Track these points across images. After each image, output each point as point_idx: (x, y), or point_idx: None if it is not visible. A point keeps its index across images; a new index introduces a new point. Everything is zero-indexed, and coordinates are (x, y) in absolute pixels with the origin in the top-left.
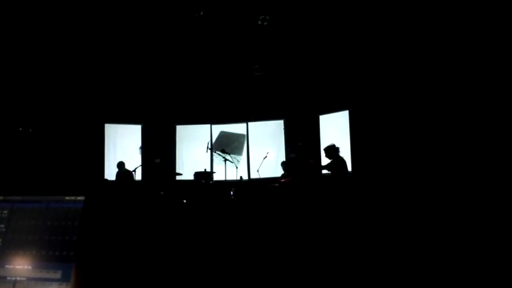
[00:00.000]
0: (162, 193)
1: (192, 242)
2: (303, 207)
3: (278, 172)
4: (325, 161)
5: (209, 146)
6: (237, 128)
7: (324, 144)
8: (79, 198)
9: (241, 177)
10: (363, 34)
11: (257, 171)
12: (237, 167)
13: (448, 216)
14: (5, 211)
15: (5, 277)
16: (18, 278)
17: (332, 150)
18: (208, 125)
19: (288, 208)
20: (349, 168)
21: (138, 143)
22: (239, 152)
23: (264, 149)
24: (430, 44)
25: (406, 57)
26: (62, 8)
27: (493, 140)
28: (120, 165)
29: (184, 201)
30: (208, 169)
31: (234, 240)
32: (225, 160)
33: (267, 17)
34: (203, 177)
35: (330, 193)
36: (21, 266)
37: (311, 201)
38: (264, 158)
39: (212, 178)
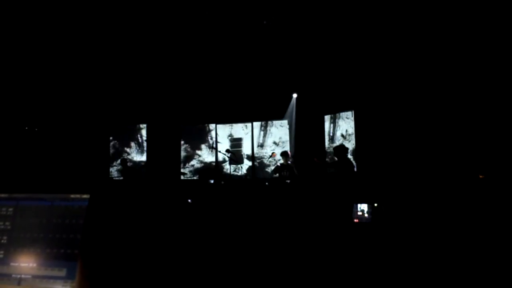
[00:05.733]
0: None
1: (196, 240)
2: (306, 205)
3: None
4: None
5: (214, 146)
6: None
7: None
8: (84, 196)
9: (245, 175)
10: (367, 35)
11: (262, 170)
12: (241, 167)
13: (451, 216)
14: (10, 209)
15: (10, 275)
16: (23, 276)
17: (341, 150)
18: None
19: (292, 206)
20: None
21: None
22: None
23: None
24: (433, 46)
25: (410, 57)
26: (71, 9)
27: (495, 141)
28: (123, 162)
29: (189, 200)
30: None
31: (239, 238)
32: (230, 159)
33: (272, 17)
34: (210, 176)
35: (334, 192)
36: (26, 264)
37: (315, 199)
38: (269, 158)
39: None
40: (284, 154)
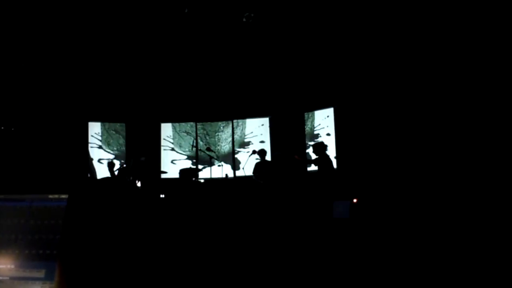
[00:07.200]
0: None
1: (179, 241)
2: (288, 203)
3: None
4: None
5: (194, 144)
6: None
7: None
8: (63, 196)
9: (226, 174)
10: (348, 30)
11: (243, 168)
12: (222, 165)
13: (430, 212)
14: None
15: None
16: (1, 277)
17: (320, 147)
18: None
19: (275, 205)
20: (335, 165)
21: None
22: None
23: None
24: (416, 40)
25: (391, 53)
26: (46, 6)
27: (477, 138)
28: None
29: (162, 196)
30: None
31: (220, 237)
32: (210, 158)
33: (252, 15)
34: (189, 174)
35: (315, 189)
36: (4, 265)
37: (297, 197)
38: (249, 156)
39: (198, 175)
40: (261, 152)
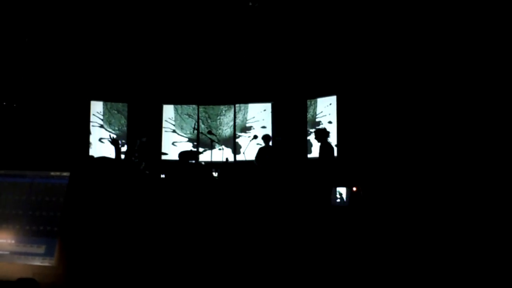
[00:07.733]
0: (147, 172)
1: (178, 221)
2: (288, 189)
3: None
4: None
5: (195, 127)
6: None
7: None
8: (65, 174)
9: (227, 158)
10: (353, 19)
11: (243, 153)
12: (222, 149)
13: (428, 200)
14: None
15: None
16: (1, 252)
17: (322, 134)
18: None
19: (275, 190)
20: (335, 153)
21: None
22: None
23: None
24: (420, 32)
25: (395, 43)
26: None
27: (477, 130)
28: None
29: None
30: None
31: (217, 221)
32: (211, 141)
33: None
34: (189, 157)
35: (315, 176)
36: (4, 240)
37: (297, 183)
38: (250, 141)
39: (198, 158)
40: (265, 137)
